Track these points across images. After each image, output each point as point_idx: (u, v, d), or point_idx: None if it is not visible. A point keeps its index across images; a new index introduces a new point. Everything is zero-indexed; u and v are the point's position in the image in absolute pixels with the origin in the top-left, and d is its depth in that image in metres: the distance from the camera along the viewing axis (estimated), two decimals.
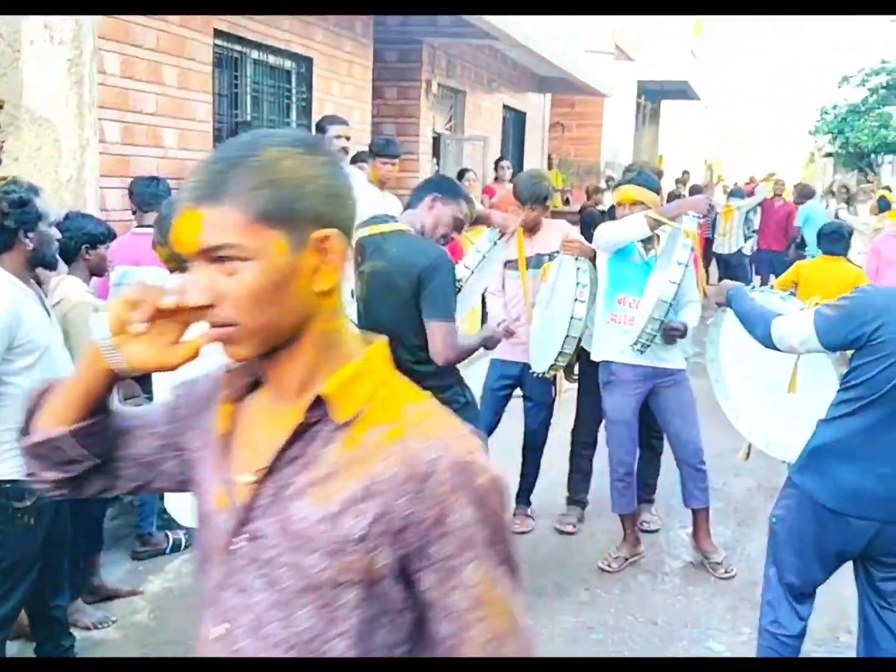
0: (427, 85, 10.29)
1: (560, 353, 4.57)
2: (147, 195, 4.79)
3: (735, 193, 13.68)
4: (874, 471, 2.90)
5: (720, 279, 11.79)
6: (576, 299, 4.48)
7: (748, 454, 3.90)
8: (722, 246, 12.87)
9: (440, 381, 3.70)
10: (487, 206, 8.48)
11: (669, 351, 4.62)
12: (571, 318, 4.47)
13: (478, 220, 4.42)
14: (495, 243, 4.16)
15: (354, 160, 6.55)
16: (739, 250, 13.14)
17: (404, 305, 3.52)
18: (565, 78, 13.24)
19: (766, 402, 3.69)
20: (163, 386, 2.93)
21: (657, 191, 4.67)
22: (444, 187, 3.75)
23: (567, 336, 4.51)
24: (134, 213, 4.90)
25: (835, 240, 6.92)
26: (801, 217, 12.07)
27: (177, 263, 2.75)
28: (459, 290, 3.85)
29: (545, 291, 4.78)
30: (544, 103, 15.64)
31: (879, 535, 2.95)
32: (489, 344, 3.90)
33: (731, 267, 12.86)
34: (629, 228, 4.45)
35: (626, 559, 4.77)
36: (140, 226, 4.76)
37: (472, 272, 4.02)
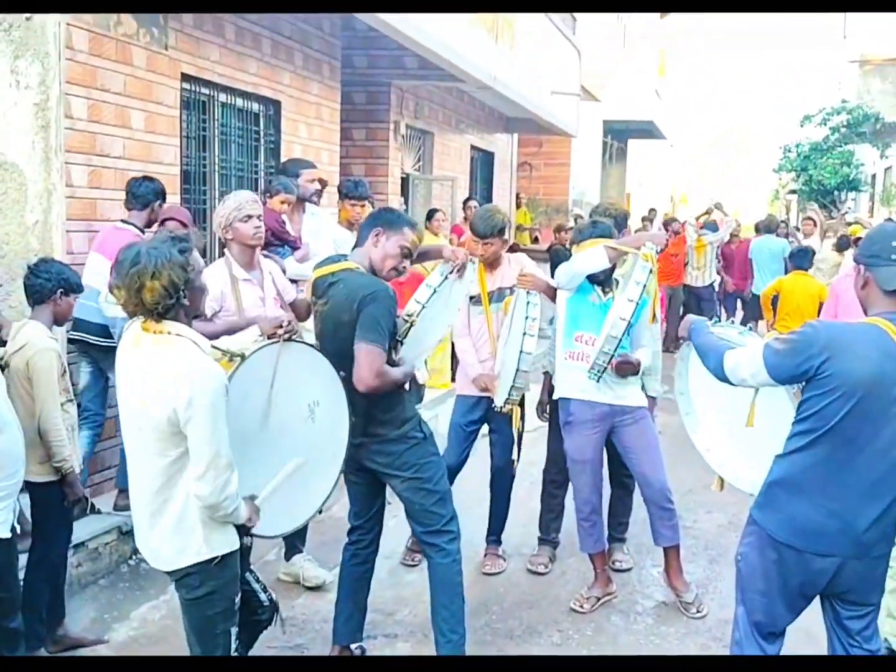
0: (395, 126, 10.37)
1: (512, 387, 4.59)
2: (130, 193, 5.17)
3: (709, 227, 13.79)
4: (826, 506, 2.92)
5: (691, 312, 11.93)
6: (524, 333, 4.51)
7: (722, 486, 3.91)
8: (697, 279, 12.93)
9: (397, 415, 3.71)
10: (456, 244, 8.52)
11: (627, 388, 4.65)
12: (521, 352, 4.50)
13: (430, 255, 4.45)
14: (446, 277, 4.19)
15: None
16: (711, 284, 13.25)
17: (351, 340, 3.53)
18: (532, 118, 13.40)
19: (736, 435, 3.71)
20: None
21: (613, 235, 4.74)
22: (385, 220, 3.77)
23: (518, 370, 4.53)
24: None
25: (801, 256, 9.08)
26: (751, 252, 12.40)
27: (133, 307, 2.75)
28: (412, 324, 3.86)
29: (505, 326, 4.83)
30: (512, 143, 15.80)
31: (841, 572, 2.96)
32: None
33: (702, 301, 12.96)
34: (591, 260, 4.51)
35: (599, 599, 4.75)
36: (123, 221, 5.15)
37: (424, 306, 4.03)
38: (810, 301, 8.49)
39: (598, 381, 4.46)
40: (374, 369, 3.45)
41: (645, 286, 4.32)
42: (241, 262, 4.36)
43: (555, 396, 4.84)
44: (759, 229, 13.08)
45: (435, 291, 4.11)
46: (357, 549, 4.01)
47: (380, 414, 3.68)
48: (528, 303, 4.62)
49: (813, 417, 2.90)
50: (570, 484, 5.17)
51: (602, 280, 4.61)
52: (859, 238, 10.45)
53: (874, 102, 24.82)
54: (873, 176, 26.40)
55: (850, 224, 14.02)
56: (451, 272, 4.19)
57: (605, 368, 4.41)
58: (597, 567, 4.81)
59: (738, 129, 55.67)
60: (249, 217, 4.28)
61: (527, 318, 4.56)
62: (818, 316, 8.23)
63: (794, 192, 31.71)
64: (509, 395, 4.65)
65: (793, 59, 51.07)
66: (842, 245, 11.50)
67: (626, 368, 4.50)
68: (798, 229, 16.58)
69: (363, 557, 4.01)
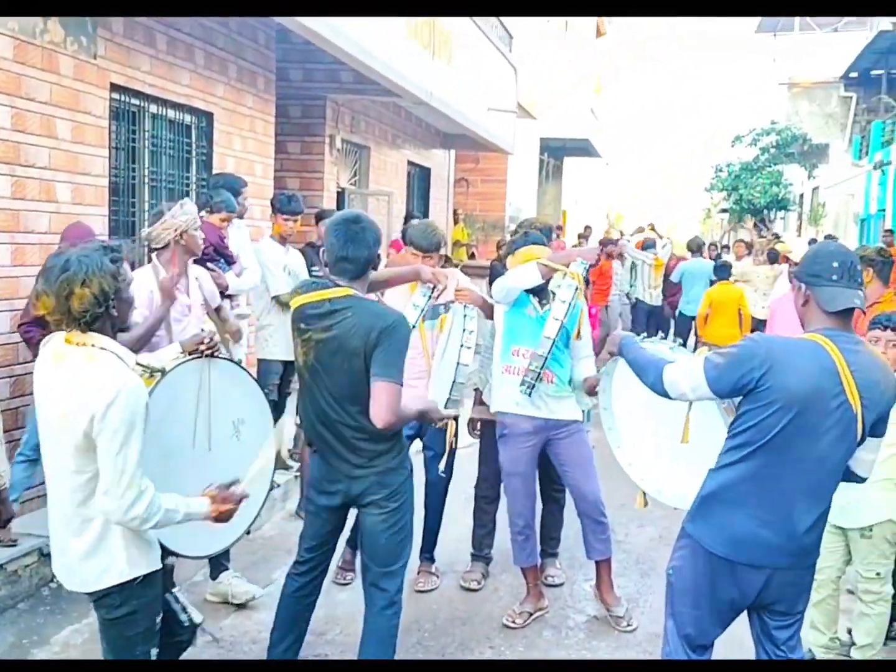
0: (331, 140, 10.33)
1: (448, 400, 4.55)
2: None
3: (647, 246, 13.88)
4: (761, 517, 2.95)
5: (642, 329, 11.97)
6: (462, 345, 4.50)
7: (645, 502, 3.96)
8: (657, 298, 12.80)
9: (393, 444, 3.58)
10: (393, 258, 8.50)
11: (562, 402, 4.67)
12: (458, 364, 4.49)
13: (406, 277, 4.40)
14: (430, 297, 4.17)
15: (320, 217, 6.93)
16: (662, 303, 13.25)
17: (365, 370, 3.40)
18: (469, 135, 13.46)
19: (658, 450, 3.74)
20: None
21: (545, 244, 4.85)
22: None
23: (454, 382, 4.50)
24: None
25: (723, 269, 10.86)
26: (677, 272, 12.52)
27: (60, 316, 2.67)
28: None
29: (441, 342, 4.81)
30: (449, 159, 15.86)
31: (769, 583, 3.00)
32: (426, 417, 3.83)
33: (660, 318, 12.92)
34: (524, 276, 4.53)
35: (531, 614, 4.74)
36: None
37: (414, 326, 3.98)
38: (732, 304, 10.33)
39: (529, 395, 4.48)
40: (393, 407, 3.38)
41: (571, 304, 4.34)
42: (180, 270, 4.36)
43: (491, 410, 4.84)
44: (691, 250, 13.27)
45: (422, 311, 4.10)
46: (306, 582, 3.76)
47: (382, 439, 3.52)
48: (465, 316, 4.62)
49: (750, 430, 2.93)
50: (500, 500, 5.18)
51: (538, 291, 4.63)
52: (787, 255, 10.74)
53: (802, 124, 25.57)
54: (801, 195, 27.14)
55: (779, 240, 14.30)
56: (432, 293, 4.18)
57: (535, 385, 4.42)
58: (529, 581, 4.81)
59: (672, 148, 56.75)
60: (199, 229, 4.42)
61: (464, 330, 4.56)
62: (738, 317, 10.36)
63: (725, 210, 32.40)
64: (445, 407, 4.62)
65: (725, 82, 52.36)
66: (771, 257, 11.79)
67: (596, 384, 4.44)
68: (728, 248, 16.88)
69: (309, 590, 3.78)
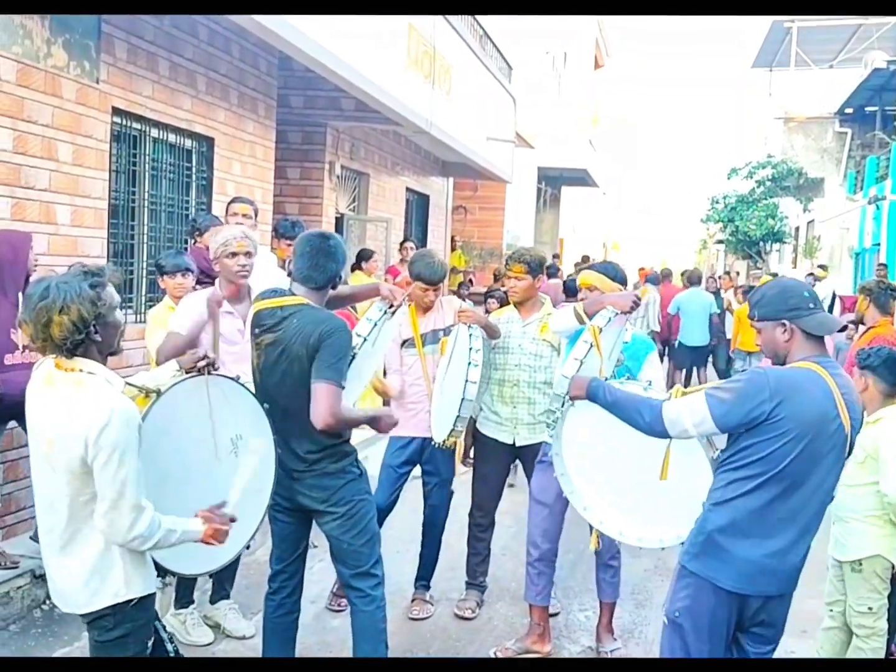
0: (330, 166, 10.39)
1: (457, 418, 4.51)
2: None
3: (650, 280, 14.03)
4: (766, 546, 2.95)
5: None
6: (469, 363, 4.48)
7: (598, 543, 3.95)
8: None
9: (339, 447, 3.66)
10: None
11: None
12: (466, 381, 4.46)
13: (366, 294, 4.50)
14: (385, 312, 4.20)
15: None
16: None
17: (305, 375, 3.49)
18: (468, 163, 13.55)
19: (613, 493, 3.71)
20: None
21: (621, 280, 4.47)
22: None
23: (463, 399, 4.48)
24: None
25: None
26: (673, 305, 12.68)
27: (41, 343, 2.67)
28: (354, 356, 3.83)
29: (443, 363, 4.82)
30: (447, 187, 15.94)
31: (762, 609, 3.01)
32: (377, 425, 3.84)
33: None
34: (562, 318, 4.41)
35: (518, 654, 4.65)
36: None
37: (365, 339, 4.02)
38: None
39: (551, 429, 4.05)
40: (333, 409, 3.42)
41: (582, 362, 3.75)
42: (227, 294, 4.46)
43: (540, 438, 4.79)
44: (691, 282, 13.34)
45: (376, 325, 4.12)
46: (283, 599, 3.86)
47: (322, 444, 3.61)
48: (470, 335, 4.62)
49: (761, 461, 2.91)
50: (494, 527, 5.15)
51: None
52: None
53: (798, 158, 25.74)
54: (797, 228, 27.28)
55: (771, 274, 14.50)
56: (389, 308, 4.20)
57: (556, 413, 3.96)
58: (533, 619, 4.70)
59: (670, 179, 57.16)
60: (235, 254, 4.40)
61: (471, 348, 4.55)
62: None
63: (721, 242, 32.55)
64: (454, 426, 4.56)
65: (722, 115, 52.90)
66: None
67: None
68: (720, 278, 17.07)
69: (289, 607, 3.88)
